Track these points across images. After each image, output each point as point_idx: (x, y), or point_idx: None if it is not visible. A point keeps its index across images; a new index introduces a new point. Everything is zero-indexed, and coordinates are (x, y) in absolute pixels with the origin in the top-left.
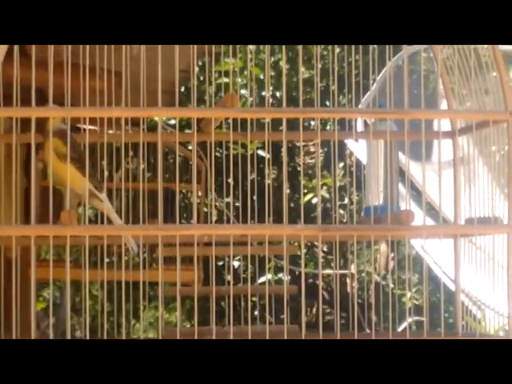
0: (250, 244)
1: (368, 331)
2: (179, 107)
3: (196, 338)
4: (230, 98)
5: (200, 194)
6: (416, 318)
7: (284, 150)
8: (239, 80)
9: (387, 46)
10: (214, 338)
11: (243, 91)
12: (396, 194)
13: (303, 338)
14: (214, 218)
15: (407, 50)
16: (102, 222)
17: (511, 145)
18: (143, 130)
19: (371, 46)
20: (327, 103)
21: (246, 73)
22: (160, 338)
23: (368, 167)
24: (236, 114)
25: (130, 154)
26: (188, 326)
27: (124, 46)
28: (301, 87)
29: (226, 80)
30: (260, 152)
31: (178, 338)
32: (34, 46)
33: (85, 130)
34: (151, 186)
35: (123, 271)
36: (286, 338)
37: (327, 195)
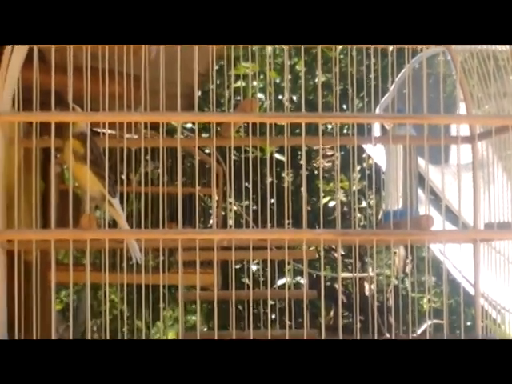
0: (269, 248)
1: (387, 335)
2: (198, 112)
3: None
4: (250, 102)
5: (217, 197)
6: (435, 321)
7: (303, 154)
8: (256, 84)
9: (405, 48)
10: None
11: (260, 95)
12: (415, 199)
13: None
14: (231, 222)
15: (423, 53)
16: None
17: None
18: (162, 134)
19: (389, 49)
20: (344, 107)
21: (261, 76)
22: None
23: (387, 172)
24: (255, 119)
25: (148, 157)
26: (205, 329)
27: (143, 50)
28: (320, 91)
29: (242, 84)
30: (277, 155)
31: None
32: (53, 51)
33: (104, 133)
34: (168, 190)
35: (143, 275)
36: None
37: (344, 199)
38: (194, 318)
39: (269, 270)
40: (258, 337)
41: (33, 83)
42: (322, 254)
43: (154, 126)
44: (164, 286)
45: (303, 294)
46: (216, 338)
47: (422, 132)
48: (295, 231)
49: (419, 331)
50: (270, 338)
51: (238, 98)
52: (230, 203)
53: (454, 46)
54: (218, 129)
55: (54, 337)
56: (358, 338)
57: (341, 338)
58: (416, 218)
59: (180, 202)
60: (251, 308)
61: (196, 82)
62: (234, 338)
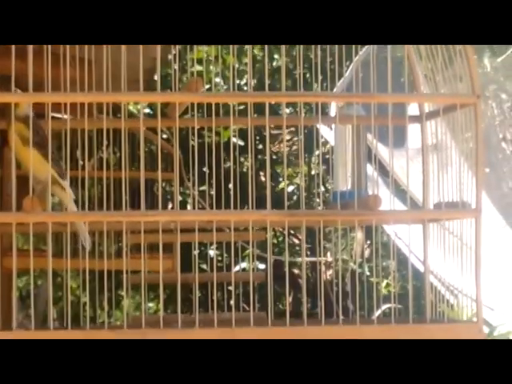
0: (215, 230)
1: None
2: (144, 92)
3: (162, 326)
4: (195, 82)
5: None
6: (387, 305)
7: (249, 135)
8: (213, 68)
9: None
10: (179, 326)
11: (218, 79)
12: (364, 179)
13: (269, 325)
14: (189, 208)
15: None
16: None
17: (478, 128)
18: (108, 116)
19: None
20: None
21: (220, 61)
22: (125, 326)
23: (336, 152)
24: (201, 99)
25: (105, 143)
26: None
27: None
28: (266, 72)
29: (199, 68)
30: (234, 140)
31: (144, 326)
32: None
33: (48, 116)
34: (120, 174)
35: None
36: (252, 325)
37: (303, 184)
38: (151, 304)
39: (214, 251)
40: (206, 320)
41: None
42: (269, 234)
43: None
44: (120, 272)
45: (250, 276)
46: (162, 322)
47: (380, 112)
48: (241, 212)
49: (373, 316)
50: (216, 322)
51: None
52: (187, 188)
53: None
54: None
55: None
56: (307, 322)
57: (288, 322)
58: (364, 199)
59: (125, 184)
60: (196, 291)
61: (141, 63)
62: (179, 321)
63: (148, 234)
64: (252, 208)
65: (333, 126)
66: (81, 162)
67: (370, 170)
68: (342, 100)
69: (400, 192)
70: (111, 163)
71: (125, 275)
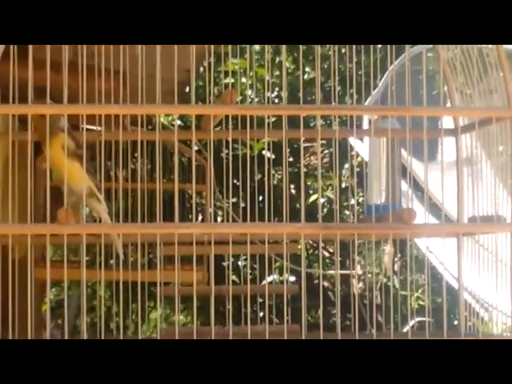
0: (249, 243)
1: (371, 332)
2: (178, 104)
3: (195, 338)
4: (229, 94)
5: (205, 194)
6: (419, 318)
7: (284, 147)
8: (244, 80)
9: (391, 45)
10: (213, 338)
11: (249, 92)
12: (398, 193)
13: (303, 338)
14: (219, 219)
15: (412, 49)
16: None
17: None
18: (142, 128)
19: (376, 46)
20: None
21: (251, 74)
22: (158, 338)
23: (370, 165)
24: (235, 111)
25: (135, 154)
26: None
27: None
28: (301, 84)
29: (231, 80)
30: (266, 153)
31: (177, 338)
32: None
33: (83, 128)
34: (155, 186)
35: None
36: (286, 338)
37: (333, 196)
38: (181, 317)
39: (249, 264)
40: (239, 333)
41: (11, 78)
42: (304, 249)
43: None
44: (153, 284)
45: (284, 289)
46: (195, 334)
47: (415, 126)
48: (275, 225)
49: (405, 329)
50: (250, 334)
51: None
52: (218, 200)
53: None
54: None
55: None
56: (340, 335)
57: (322, 334)
58: (398, 212)
59: (159, 196)
60: (230, 303)
61: (175, 75)
62: (213, 333)
63: (179, 246)
64: (286, 221)
65: (365, 138)
66: (112, 174)
67: (404, 183)
68: (377, 113)
69: (432, 206)
70: (144, 174)
71: (158, 287)
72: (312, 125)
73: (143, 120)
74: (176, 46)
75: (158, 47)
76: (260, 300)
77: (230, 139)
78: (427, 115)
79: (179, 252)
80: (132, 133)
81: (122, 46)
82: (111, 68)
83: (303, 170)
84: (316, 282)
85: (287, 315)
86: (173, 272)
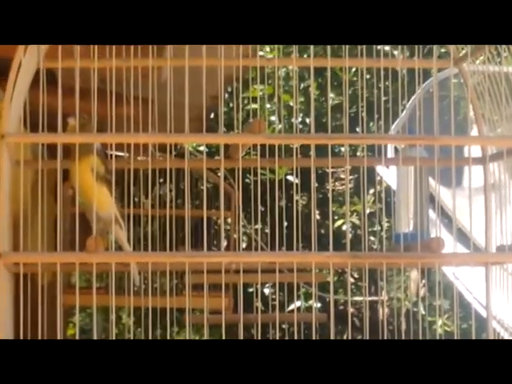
0: (278, 271)
1: None
2: (206, 133)
3: None
4: (258, 123)
5: (230, 220)
6: None
7: (312, 176)
8: (268, 106)
9: (417, 72)
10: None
11: (273, 118)
12: (426, 221)
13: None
14: (244, 245)
15: (437, 75)
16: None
17: None
18: (170, 156)
19: (401, 72)
20: (357, 129)
21: (274, 99)
22: None
23: (398, 193)
24: (263, 140)
25: (160, 180)
26: None
27: (151, 73)
28: (329, 112)
29: (255, 106)
30: (289, 177)
31: None
32: (60, 73)
33: (112, 156)
34: (178, 212)
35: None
36: None
37: (357, 222)
38: None
39: (277, 293)
40: None
41: (40, 105)
42: (332, 277)
43: (166, 149)
44: (176, 310)
45: (312, 317)
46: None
47: (434, 154)
48: (304, 254)
49: None
50: None
51: (251, 120)
52: (243, 226)
53: (466, 69)
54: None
55: None
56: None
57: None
58: (427, 241)
59: (188, 224)
60: (259, 332)
61: (204, 103)
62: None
63: (203, 274)
64: (314, 249)
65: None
66: (136, 200)
67: (431, 211)
68: (405, 142)
69: (461, 235)
70: (167, 201)
71: (187, 315)
72: (337, 151)
73: (170, 147)
74: (204, 72)
75: (186, 73)
76: (284, 326)
77: (258, 167)
78: (455, 144)
79: (202, 280)
80: (160, 161)
81: (145, 73)
82: (138, 95)
83: (327, 195)
84: (341, 307)
85: None
86: (198, 299)
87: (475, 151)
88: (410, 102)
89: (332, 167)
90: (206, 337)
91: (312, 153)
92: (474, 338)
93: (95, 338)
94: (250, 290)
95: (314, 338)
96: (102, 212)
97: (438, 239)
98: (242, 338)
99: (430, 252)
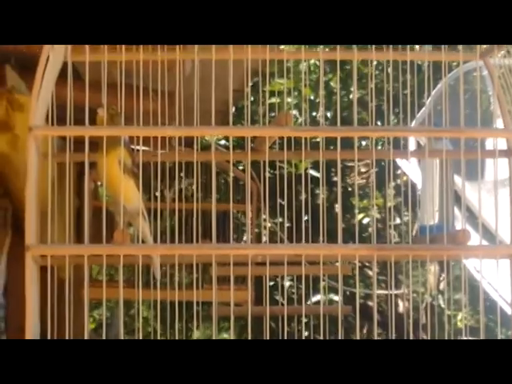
0: (304, 264)
1: None
2: (233, 126)
3: None
4: (285, 116)
5: (251, 214)
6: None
7: (338, 169)
8: (290, 100)
9: (443, 65)
10: None
11: (294, 111)
12: (451, 214)
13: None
14: (264, 239)
15: (461, 68)
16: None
17: None
18: (193, 149)
19: (425, 65)
20: (378, 123)
21: (296, 93)
22: None
23: (423, 186)
24: (290, 133)
25: (181, 174)
26: None
27: (177, 67)
28: (355, 107)
29: (277, 100)
30: (311, 171)
31: None
32: (87, 66)
33: (137, 149)
34: (202, 206)
35: (177, 291)
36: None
37: (378, 216)
38: (225, 335)
39: (303, 286)
40: None
41: (66, 100)
42: (358, 269)
43: (188, 143)
44: (198, 303)
45: (337, 309)
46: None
47: (459, 146)
48: (330, 246)
49: None
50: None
51: (273, 114)
52: (264, 220)
53: (492, 61)
54: (252, 145)
55: None
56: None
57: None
58: (452, 233)
59: (214, 217)
60: (285, 324)
61: (231, 96)
62: None
63: (228, 267)
64: (340, 242)
65: (411, 158)
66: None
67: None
68: (431, 135)
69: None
70: (189, 195)
71: (214, 308)
72: (358, 144)
73: (191, 140)
74: (225, 66)
75: (213, 66)
76: (305, 320)
77: (285, 161)
78: (481, 137)
79: (226, 272)
80: (185, 154)
81: (169, 67)
82: (158, 88)
83: (348, 189)
84: (361, 301)
85: (336, 336)
86: (220, 292)
87: (500, 144)
88: (432, 94)
89: (351, 160)
90: (232, 330)
91: (338, 146)
92: (498, 331)
93: (111, 330)
94: (271, 283)
95: (339, 331)
96: (129, 205)
97: (463, 231)
98: (267, 330)
99: (456, 244)
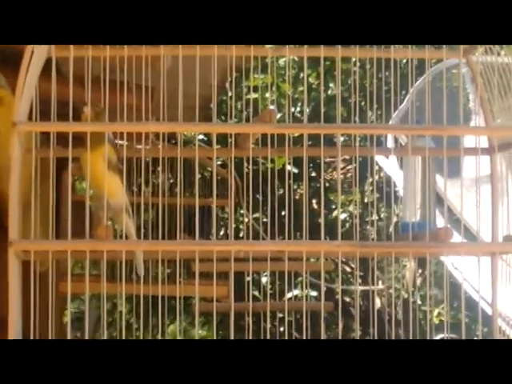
0: (287, 260)
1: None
2: (216, 123)
3: None
4: (269, 113)
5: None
6: (442, 335)
7: (322, 165)
8: (268, 95)
9: (427, 63)
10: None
11: (272, 107)
12: (433, 211)
13: None
14: (241, 234)
15: (437, 66)
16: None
17: None
18: (172, 145)
19: (403, 62)
20: (357, 119)
21: (273, 89)
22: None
23: (405, 183)
24: (274, 130)
25: (159, 169)
26: None
27: (160, 61)
28: (339, 103)
29: (254, 96)
30: (289, 167)
31: None
32: (71, 63)
33: (120, 144)
34: (183, 201)
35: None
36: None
37: (354, 211)
38: (200, 331)
39: (286, 282)
40: None
41: (49, 95)
42: (340, 266)
43: (168, 138)
44: (174, 298)
45: (320, 306)
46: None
47: (441, 144)
48: (313, 243)
49: None
50: None
51: (250, 110)
52: (242, 215)
53: (474, 58)
54: (230, 140)
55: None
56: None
57: None
58: (434, 231)
59: (197, 213)
60: (267, 320)
61: (215, 92)
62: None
63: (209, 263)
64: (325, 238)
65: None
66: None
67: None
68: (413, 133)
69: (455, 222)
70: (179, 191)
71: (197, 303)
72: (335, 140)
73: (166, 135)
74: (208, 61)
75: (197, 63)
76: (280, 315)
77: (268, 158)
78: (464, 134)
79: (206, 268)
80: (169, 149)
81: (151, 61)
82: (141, 84)
83: (326, 184)
84: (337, 297)
85: (313, 332)
86: (200, 287)
87: (471, 142)
88: (410, 91)
89: (332, 157)
90: (214, 326)
91: (321, 143)
92: (475, 328)
93: (88, 325)
94: (247, 279)
95: (321, 327)
96: (113, 201)
97: (445, 229)
98: (247, 326)
99: (438, 241)
